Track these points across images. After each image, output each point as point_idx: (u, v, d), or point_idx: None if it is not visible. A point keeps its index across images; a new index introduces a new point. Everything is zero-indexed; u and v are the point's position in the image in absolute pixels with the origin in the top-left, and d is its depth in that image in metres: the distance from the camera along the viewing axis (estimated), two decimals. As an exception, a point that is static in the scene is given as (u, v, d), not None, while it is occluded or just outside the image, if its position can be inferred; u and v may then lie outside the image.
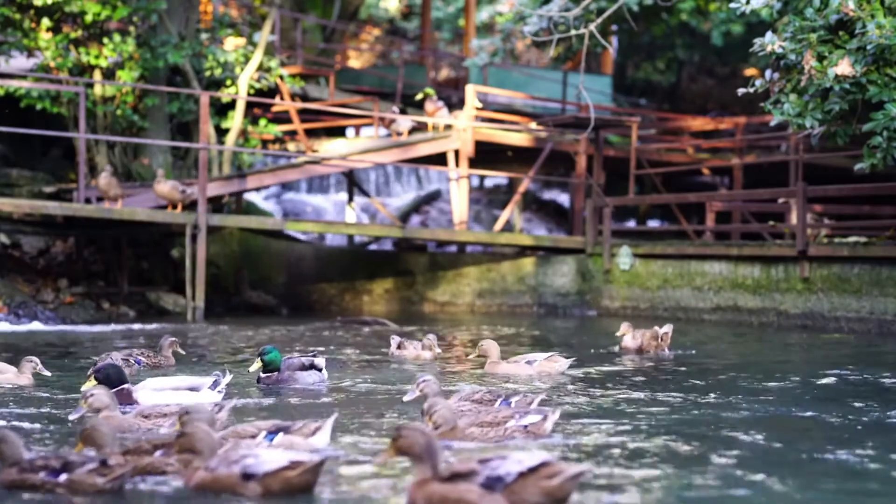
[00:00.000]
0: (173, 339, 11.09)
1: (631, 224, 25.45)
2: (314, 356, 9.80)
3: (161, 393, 8.35)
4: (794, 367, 11.29)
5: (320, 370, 9.62)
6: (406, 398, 7.69)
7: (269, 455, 5.61)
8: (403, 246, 22.74)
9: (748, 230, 19.96)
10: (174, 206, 17.47)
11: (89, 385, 8.39)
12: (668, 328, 12.30)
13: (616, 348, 12.40)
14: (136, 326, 15.83)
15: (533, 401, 7.52)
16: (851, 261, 15.74)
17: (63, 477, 5.67)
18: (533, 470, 5.05)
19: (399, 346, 11.65)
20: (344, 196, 24.82)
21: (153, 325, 15.94)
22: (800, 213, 16.43)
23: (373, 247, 23.83)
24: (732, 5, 13.15)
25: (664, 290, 18.43)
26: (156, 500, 5.66)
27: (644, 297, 18.69)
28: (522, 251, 20.97)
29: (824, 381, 10.05)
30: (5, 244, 18.83)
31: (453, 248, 23.18)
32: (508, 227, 23.74)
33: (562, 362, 10.28)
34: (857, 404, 8.59)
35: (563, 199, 28.44)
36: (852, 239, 16.76)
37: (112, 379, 8.32)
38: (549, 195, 29.31)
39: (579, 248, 19.85)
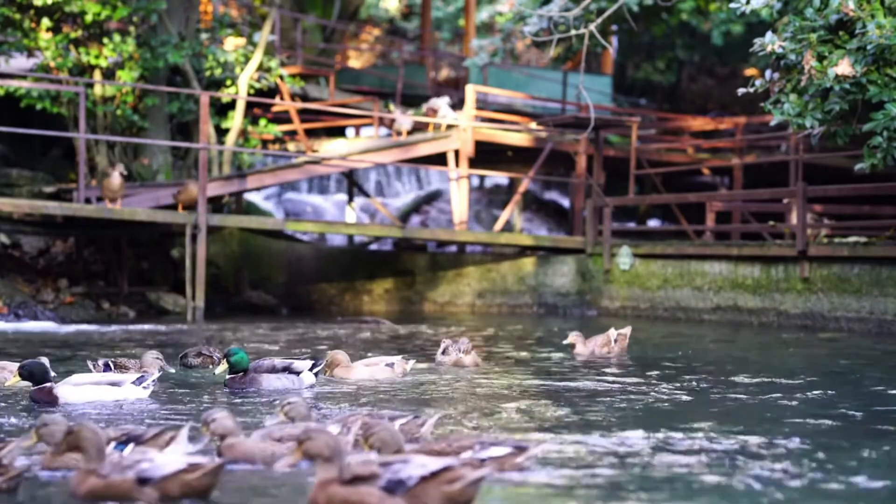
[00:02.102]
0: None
1: (631, 224, 25.45)
2: (302, 359, 9.52)
3: (81, 388, 8.36)
4: (745, 367, 11.17)
5: (298, 373, 9.26)
6: (268, 423, 6.89)
7: (165, 459, 5.47)
8: (403, 246, 22.74)
9: (748, 230, 19.95)
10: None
11: (14, 381, 8.45)
12: (625, 330, 12.16)
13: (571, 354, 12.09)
14: (136, 327, 15.82)
15: (425, 422, 6.67)
16: (851, 261, 15.74)
17: None
18: (435, 474, 5.02)
19: (444, 352, 10.98)
20: (344, 196, 24.83)
21: (153, 326, 15.93)
22: (800, 213, 16.43)
23: (373, 247, 23.84)
24: (732, 5, 13.16)
25: (664, 290, 18.44)
26: (52, 500, 5.57)
27: (644, 297, 18.70)
28: (522, 251, 20.97)
29: (745, 379, 9.94)
30: (5, 244, 18.83)
31: (453, 248, 23.18)
32: (508, 227, 23.74)
33: (408, 364, 10.13)
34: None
35: (563, 199, 28.44)
36: (852, 239, 16.76)
37: (35, 376, 8.37)
38: (549, 195, 29.32)
39: (579, 248, 19.84)
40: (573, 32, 16.70)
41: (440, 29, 39.83)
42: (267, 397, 8.76)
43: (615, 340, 11.96)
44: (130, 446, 6.07)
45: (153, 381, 8.49)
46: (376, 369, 9.97)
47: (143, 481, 5.34)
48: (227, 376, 9.23)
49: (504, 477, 5.87)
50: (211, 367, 10.36)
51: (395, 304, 20.78)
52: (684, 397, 8.95)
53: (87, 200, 17.50)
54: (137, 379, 8.42)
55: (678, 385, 9.64)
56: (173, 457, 5.51)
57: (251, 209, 22.89)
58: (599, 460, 6.39)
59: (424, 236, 21.23)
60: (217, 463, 5.43)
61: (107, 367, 9.65)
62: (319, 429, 5.34)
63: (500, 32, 26.65)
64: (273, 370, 9.27)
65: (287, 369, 9.30)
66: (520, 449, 5.98)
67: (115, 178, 16.92)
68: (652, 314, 18.37)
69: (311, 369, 9.38)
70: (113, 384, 8.40)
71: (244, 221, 19.10)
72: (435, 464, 5.09)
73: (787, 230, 18.29)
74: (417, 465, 5.05)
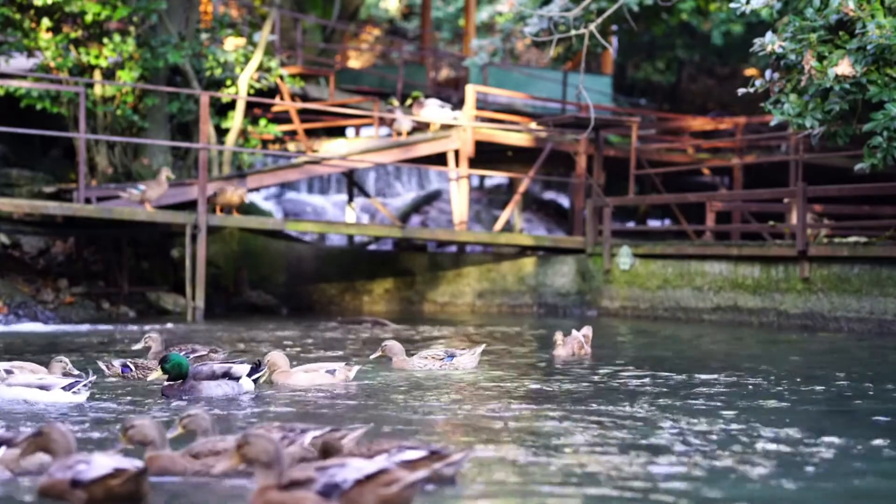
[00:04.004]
0: None
1: (631, 224, 25.45)
2: (241, 363, 9.07)
3: (11, 390, 8.36)
4: (685, 364, 11.21)
5: (237, 379, 8.83)
6: (169, 435, 6.15)
7: (99, 461, 5.41)
8: (403, 246, 22.74)
9: (748, 230, 19.96)
10: (230, 211, 18.14)
11: None
12: (586, 331, 12.15)
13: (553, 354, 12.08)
14: (136, 327, 15.81)
15: (345, 436, 6.08)
16: (851, 261, 15.74)
17: None
18: (371, 477, 4.98)
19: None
20: (344, 196, 24.83)
21: (153, 326, 15.92)
22: (800, 213, 16.43)
23: (373, 247, 23.84)
24: (732, 5, 13.16)
25: (664, 290, 18.44)
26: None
27: (644, 297, 18.70)
28: (522, 251, 20.97)
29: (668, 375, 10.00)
30: (5, 244, 18.83)
31: (453, 248, 23.18)
32: (508, 227, 23.73)
33: (353, 370, 9.67)
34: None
35: (563, 199, 28.44)
36: (852, 239, 16.76)
37: None
38: (549, 195, 29.31)
39: (579, 248, 19.85)
40: (573, 32, 16.70)
41: (440, 29, 39.83)
42: (206, 405, 8.22)
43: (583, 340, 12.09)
44: (2, 449, 6.02)
45: (85, 385, 8.36)
46: (316, 375, 9.48)
47: (75, 483, 5.33)
48: (165, 383, 8.75)
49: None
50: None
51: (395, 304, 20.78)
52: (693, 397, 8.96)
53: (87, 200, 17.50)
54: (69, 384, 8.31)
55: (685, 383, 9.66)
56: (105, 460, 5.43)
57: (251, 209, 22.89)
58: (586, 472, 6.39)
59: (424, 236, 21.23)
60: (139, 469, 5.33)
61: (125, 368, 9.62)
62: (260, 433, 5.25)
63: (500, 32, 26.63)
64: (213, 376, 8.80)
65: (226, 375, 8.85)
66: (437, 454, 5.70)
67: (164, 184, 17.19)
68: (652, 314, 18.37)
69: (250, 375, 8.94)
70: (42, 388, 8.33)
71: (244, 221, 19.10)
72: (370, 467, 5.04)
73: (787, 230, 18.29)
74: (353, 469, 5.01)
